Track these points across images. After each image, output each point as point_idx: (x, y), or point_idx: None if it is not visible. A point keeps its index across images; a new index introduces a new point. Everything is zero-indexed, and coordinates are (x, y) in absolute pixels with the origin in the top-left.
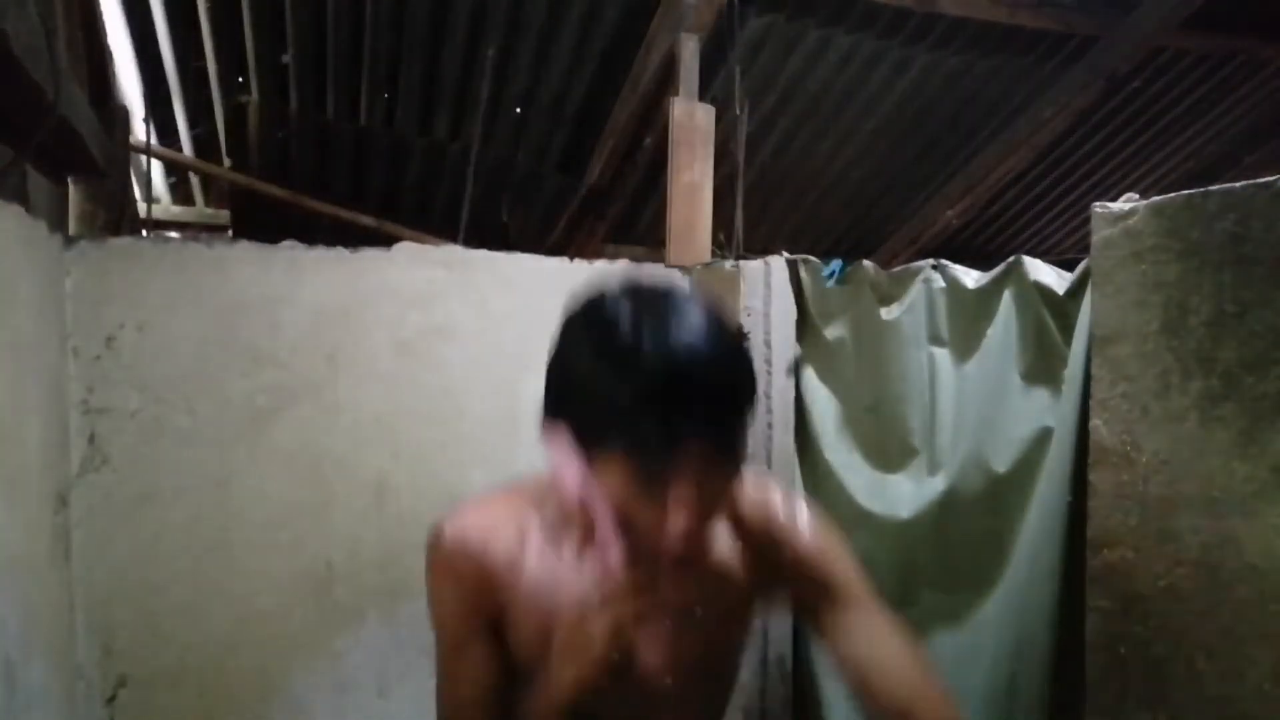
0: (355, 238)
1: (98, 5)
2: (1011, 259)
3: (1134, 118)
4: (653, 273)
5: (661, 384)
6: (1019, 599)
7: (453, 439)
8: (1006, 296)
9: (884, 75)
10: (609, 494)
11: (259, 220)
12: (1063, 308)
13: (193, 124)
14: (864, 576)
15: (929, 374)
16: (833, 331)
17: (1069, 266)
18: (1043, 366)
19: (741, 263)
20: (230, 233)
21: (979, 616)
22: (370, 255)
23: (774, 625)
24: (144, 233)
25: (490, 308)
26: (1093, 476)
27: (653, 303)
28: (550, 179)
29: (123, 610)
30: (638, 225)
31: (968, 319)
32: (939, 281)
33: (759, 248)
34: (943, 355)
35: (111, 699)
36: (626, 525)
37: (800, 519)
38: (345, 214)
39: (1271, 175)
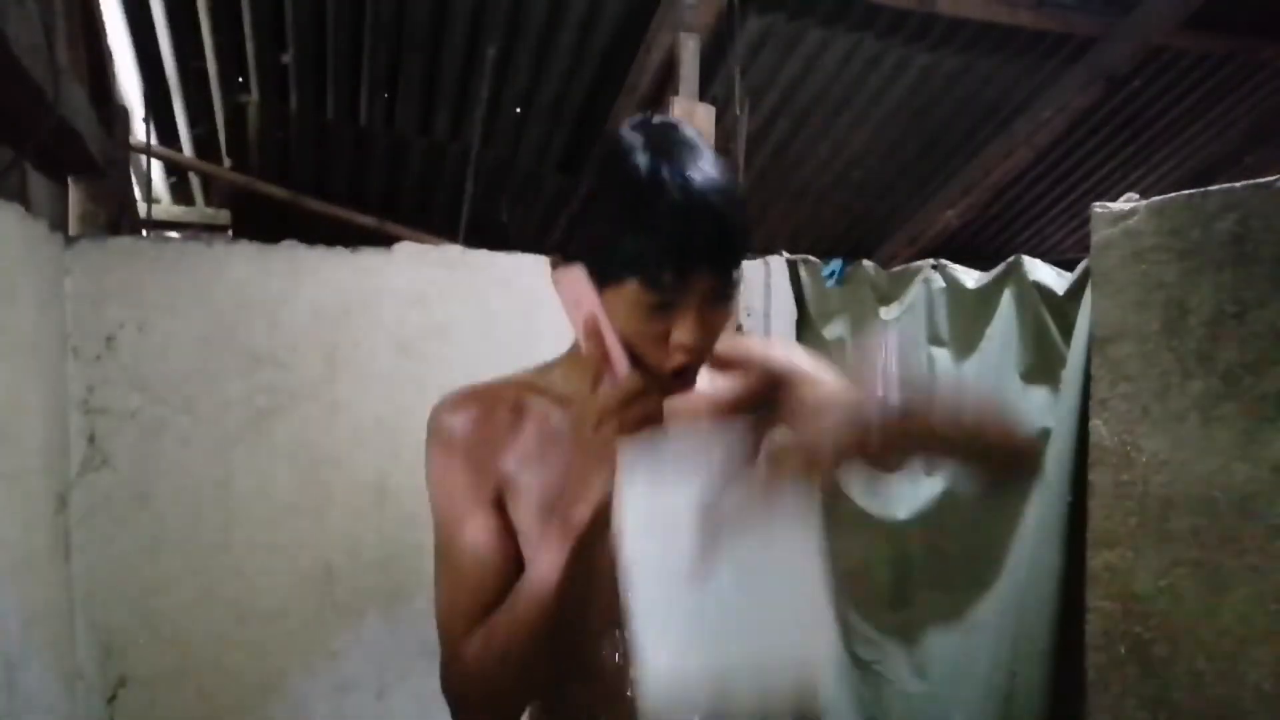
0: (355, 238)
1: (98, 5)
2: (1011, 259)
3: (1134, 118)
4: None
5: (678, 219)
6: (1018, 599)
7: None
8: (1006, 296)
9: (884, 75)
10: (621, 320)
11: (259, 220)
12: (1063, 308)
13: (193, 124)
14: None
15: (928, 373)
16: (832, 331)
17: (1069, 266)
18: (1042, 366)
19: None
20: (230, 233)
21: (978, 617)
22: (370, 255)
23: None
24: (144, 233)
25: (490, 308)
26: (1093, 476)
27: (667, 145)
28: (550, 179)
29: (123, 610)
30: None
31: (967, 319)
32: (939, 281)
33: (759, 248)
34: (942, 355)
35: (111, 699)
36: (634, 350)
37: (776, 346)
38: (345, 214)
39: (1271, 175)
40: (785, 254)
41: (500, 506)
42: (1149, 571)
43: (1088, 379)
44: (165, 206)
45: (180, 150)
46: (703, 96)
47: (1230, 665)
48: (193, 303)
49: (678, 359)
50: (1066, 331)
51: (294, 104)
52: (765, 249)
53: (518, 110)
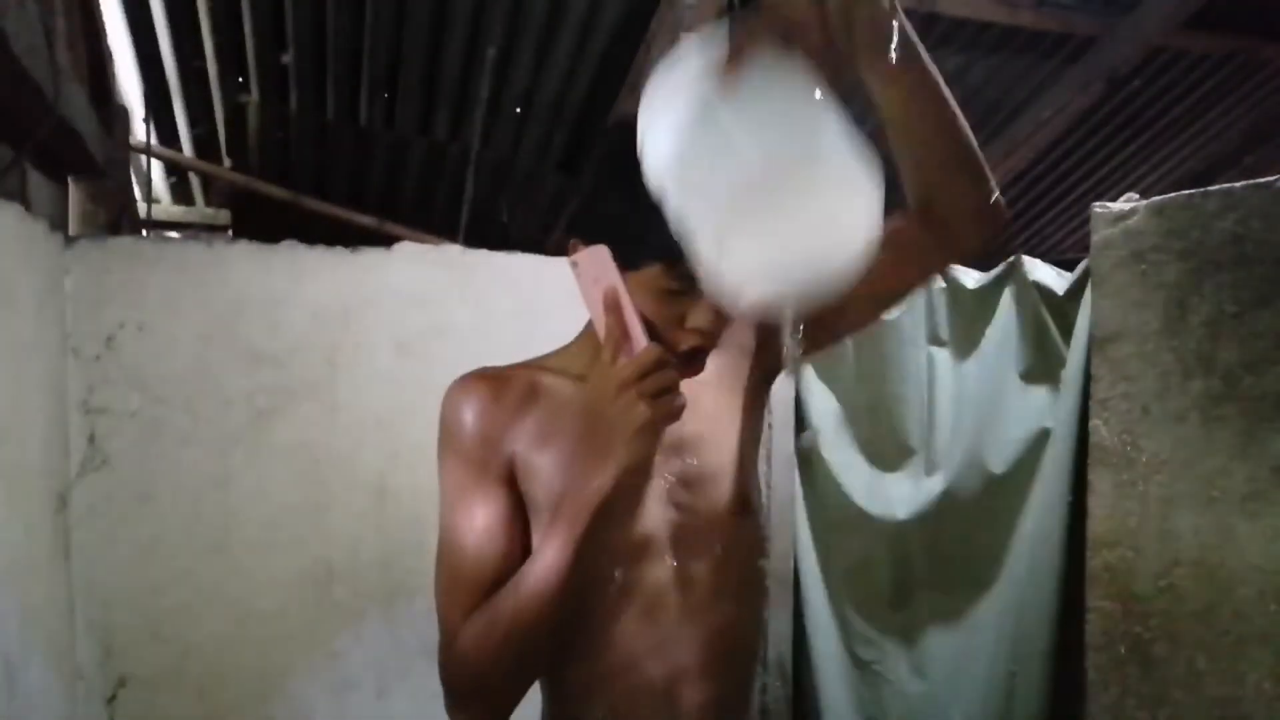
0: (355, 238)
1: (98, 5)
2: (1011, 259)
3: (1134, 118)
4: None
5: None
6: (1018, 599)
7: None
8: (1006, 296)
9: None
10: (639, 302)
11: (259, 220)
12: (1063, 308)
13: (193, 124)
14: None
15: (928, 374)
16: None
17: (1069, 266)
18: (1042, 366)
19: None
20: (230, 233)
21: (977, 617)
22: (370, 255)
23: (774, 625)
24: (144, 233)
25: (490, 308)
26: (1093, 476)
27: None
28: (550, 179)
29: (123, 610)
30: None
31: (967, 319)
32: (939, 281)
33: None
34: (942, 355)
35: (111, 699)
36: (652, 327)
37: None
38: (345, 214)
39: (1271, 175)
40: None
41: (511, 485)
42: (1149, 571)
43: (1088, 379)
44: (165, 206)
45: (180, 150)
46: None
47: (1230, 665)
48: (193, 303)
49: (691, 342)
50: (1066, 331)
51: (294, 104)
52: None
53: (518, 110)
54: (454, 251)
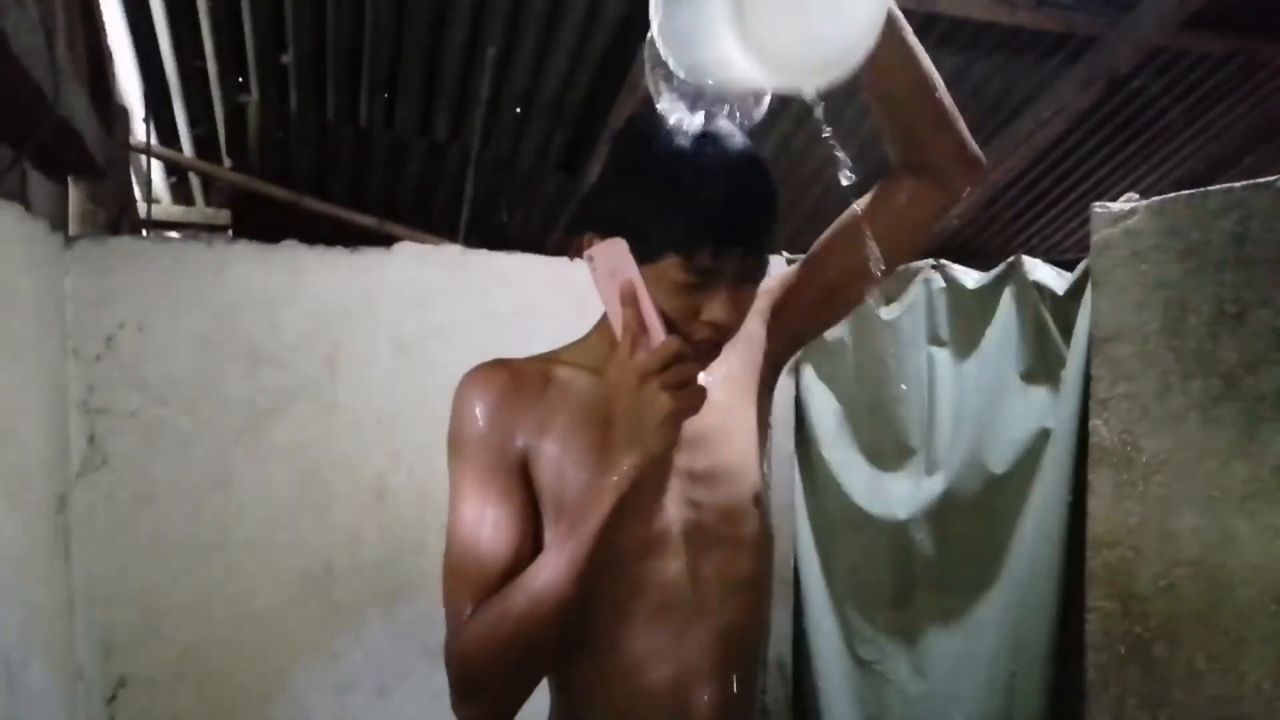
0: (355, 238)
1: (98, 5)
2: (1011, 259)
3: (1134, 118)
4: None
5: (720, 202)
6: (1018, 599)
7: None
8: (1006, 296)
9: None
10: (659, 292)
11: (259, 220)
12: (1063, 308)
13: (193, 124)
14: None
15: (928, 374)
16: (832, 331)
17: (1069, 266)
18: (1042, 366)
19: None
20: (230, 233)
21: (977, 617)
22: (370, 255)
23: (774, 625)
24: (144, 233)
25: (490, 308)
26: (1093, 476)
27: (709, 129)
28: (550, 179)
29: (123, 610)
30: None
31: (967, 319)
32: (939, 281)
33: None
34: (942, 355)
35: (111, 699)
36: (668, 320)
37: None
38: (345, 214)
39: (1271, 175)
40: (785, 254)
41: (524, 477)
42: (1149, 571)
43: (1088, 379)
44: (165, 206)
45: (180, 150)
46: None
47: (1230, 665)
48: (193, 303)
49: (706, 334)
50: (1066, 331)
51: (294, 104)
52: None
53: (518, 110)
54: (454, 251)
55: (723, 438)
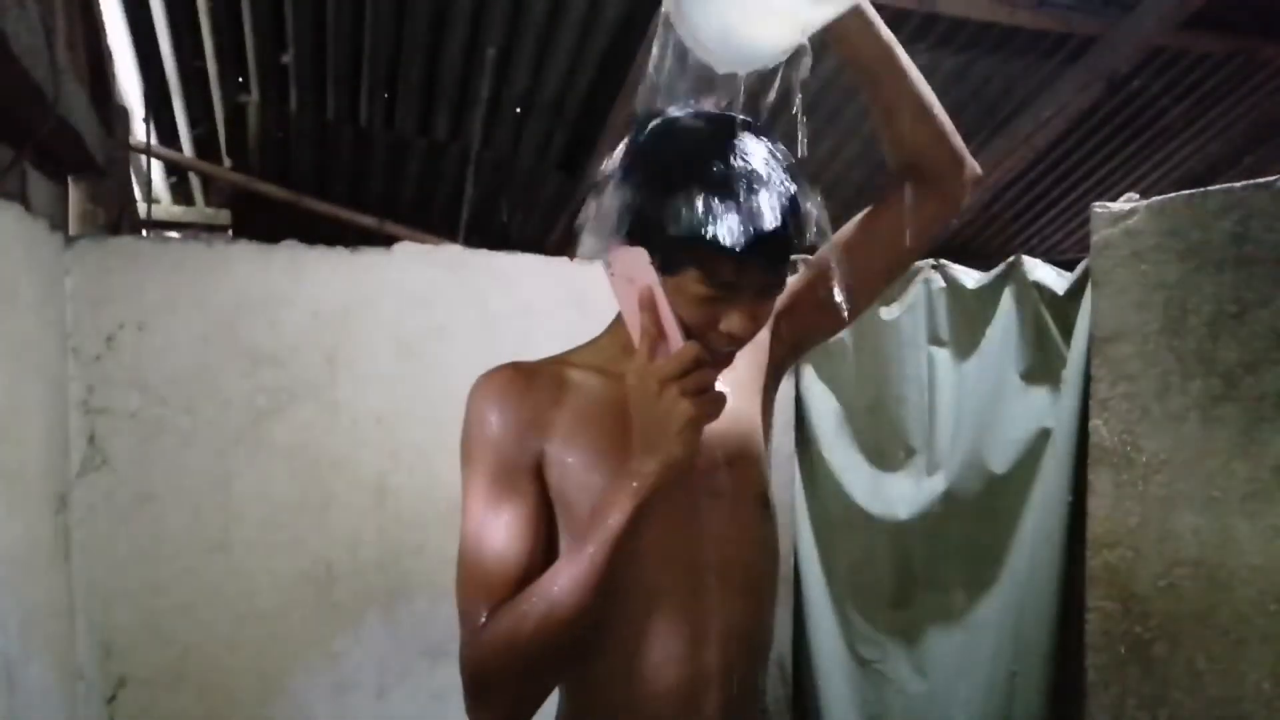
0: (355, 238)
1: (98, 5)
2: (1011, 259)
3: (1134, 118)
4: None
5: (746, 217)
6: (1018, 599)
7: (452, 439)
8: (1006, 296)
9: None
10: (678, 303)
11: (259, 220)
12: (1063, 308)
13: (193, 124)
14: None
15: (928, 374)
16: None
17: (1069, 266)
18: (1042, 366)
19: None
20: (230, 233)
21: (978, 617)
22: (370, 255)
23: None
24: (144, 233)
25: (490, 308)
26: (1093, 476)
27: (735, 140)
28: (550, 179)
29: (123, 610)
30: None
31: (967, 319)
32: (939, 281)
33: None
34: (942, 355)
35: (111, 699)
36: (686, 329)
37: None
38: (345, 214)
39: (1271, 175)
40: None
41: (539, 480)
42: (1149, 571)
43: (1088, 379)
44: (165, 206)
45: (180, 150)
46: None
47: (1230, 665)
48: (193, 303)
49: (724, 345)
50: (1066, 331)
51: (294, 104)
52: None
53: (518, 110)
54: (454, 251)
55: (734, 438)
